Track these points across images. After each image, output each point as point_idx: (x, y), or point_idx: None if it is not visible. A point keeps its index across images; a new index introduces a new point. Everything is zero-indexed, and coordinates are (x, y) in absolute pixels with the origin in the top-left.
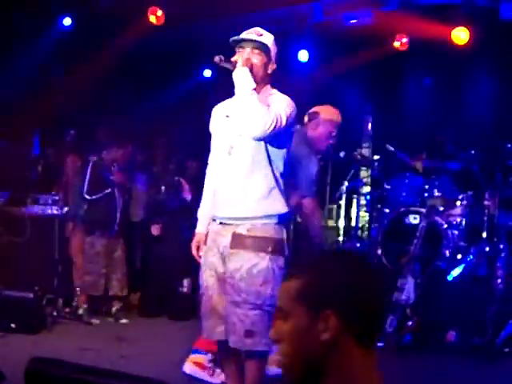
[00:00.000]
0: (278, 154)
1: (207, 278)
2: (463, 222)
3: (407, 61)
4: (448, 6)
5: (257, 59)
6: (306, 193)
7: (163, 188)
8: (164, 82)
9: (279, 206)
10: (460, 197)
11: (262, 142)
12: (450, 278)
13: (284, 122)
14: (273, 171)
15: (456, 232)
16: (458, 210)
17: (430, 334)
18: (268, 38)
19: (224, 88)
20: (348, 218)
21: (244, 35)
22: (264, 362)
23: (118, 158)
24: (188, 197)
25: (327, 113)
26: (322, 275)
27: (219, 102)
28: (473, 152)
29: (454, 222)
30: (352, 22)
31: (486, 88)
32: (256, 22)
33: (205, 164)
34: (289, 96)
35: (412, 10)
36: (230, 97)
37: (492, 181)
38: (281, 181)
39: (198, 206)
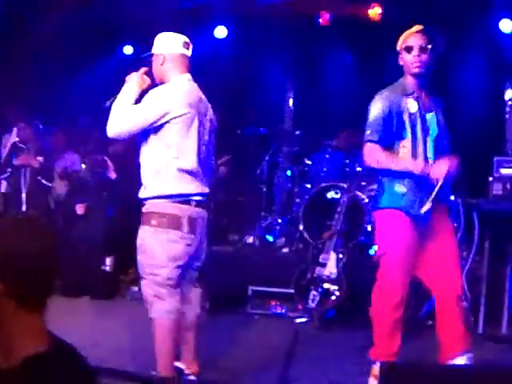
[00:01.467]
0: (156, 143)
1: None
2: None
3: (329, 37)
4: None
5: (154, 66)
6: None
7: (84, 166)
8: (86, 58)
9: (168, 186)
10: None
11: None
12: (372, 252)
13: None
14: (160, 156)
15: None
16: None
17: (354, 308)
18: (156, 46)
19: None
20: (269, 193)
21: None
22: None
23: (27, 138)
24: (113, 175)
25: None
26: None
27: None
28: None
29: None
30: None
31: None
32: None
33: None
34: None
35: None
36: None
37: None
38: (172, 164)
39: (122, 185)
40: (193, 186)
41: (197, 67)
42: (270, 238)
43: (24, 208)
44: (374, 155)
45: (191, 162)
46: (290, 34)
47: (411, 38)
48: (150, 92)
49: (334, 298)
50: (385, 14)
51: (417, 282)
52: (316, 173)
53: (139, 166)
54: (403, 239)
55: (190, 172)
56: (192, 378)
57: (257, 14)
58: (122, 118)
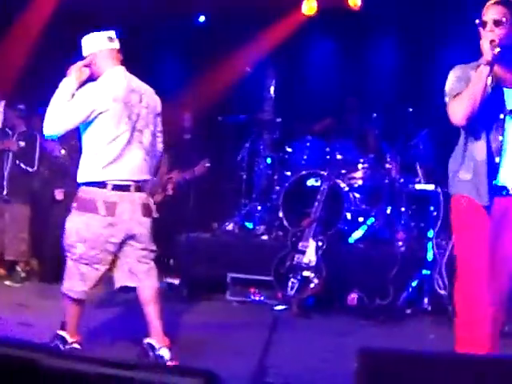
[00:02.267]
0: (89, 135)
1: None
2: (365, 185)
3: (311, 25)
4: None
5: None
6: None
7: (63, 151)
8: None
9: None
10: (361, 160)
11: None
12: (351, 240)
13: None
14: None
15: (358, 195)
16: (359, 173)
17: (333, 295)
18: (84, 47)
19: None
20: (249, 180)
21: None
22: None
23: (12, 122)
24: None
25: None
26: None
27: None
28: (375, 115)
29: (356, 185)
30: None
31: (390, 52)
32: None
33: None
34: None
35: None
36: None
37: (393, 145)
38: (97, 153)
39: None
40: (113, 172)
41: (180, 53)
42: (250, 225)
43: (5, 192)
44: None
45: (117, 150)
46: (270, 21)
47: (485, 12)
48: (80, 90)
49: (312, 285)
50: (365, 4)
51: (398, 270)
52: (296, 160)
53: None
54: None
55: (114, 159)
56: (165, 351)
57: (237, 1)
58: (57, 118)
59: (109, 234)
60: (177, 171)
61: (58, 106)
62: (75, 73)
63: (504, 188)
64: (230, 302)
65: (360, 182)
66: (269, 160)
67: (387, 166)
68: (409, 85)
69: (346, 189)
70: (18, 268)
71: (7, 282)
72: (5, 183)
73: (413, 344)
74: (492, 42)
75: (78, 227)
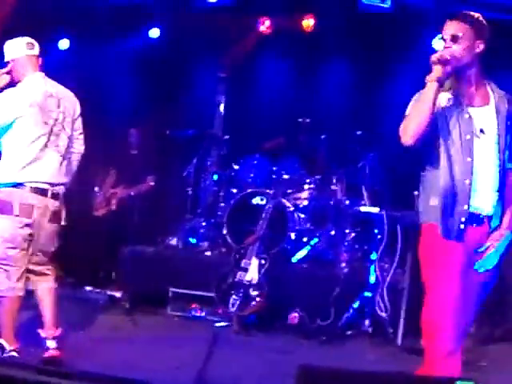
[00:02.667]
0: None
1: None
2: (310, 206)
3: (265, 44)
4: None
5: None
6: None
7: None
8: None
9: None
10: (308, 180)
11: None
12: (294, 260)
13: None
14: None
15: (302, 215)
16: (305, 194)
17: (274, 314)
18: (5, 52)
19: None
20: (195, 196)
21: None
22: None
23: None
24: None
25: None
26: None
27: None
28: (323, 136)
29: (301, 205)
30: (211, 0)
31: (341, 75)
32: None
33: None
34: None
35: None
36: None
37: (340, 166)
38: (14, 155)
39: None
40: (30, 174)
41: (130, 66)
42: (193, 241)
43: None
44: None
45: (34, 153)
46: (225, 38)
47: (444, 28)
48: (3, 93)
49: (254, 303)
50: (318, 25)
51: (340, 292)
52: (243, 178)
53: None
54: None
55: (30, 162)
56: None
57: (193, 16)
58: None
59: (26, 234)
60: (122, 186)
61: None
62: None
63: (478, 215)
64: (171, 316)
65: (305, 203)
66: (215, 176)
67: (333, 187)
68: (359, 108)
69: (291, 208)
70: None
71: None
72: None
73: (351, 364)
74: (439, 58)
75: None
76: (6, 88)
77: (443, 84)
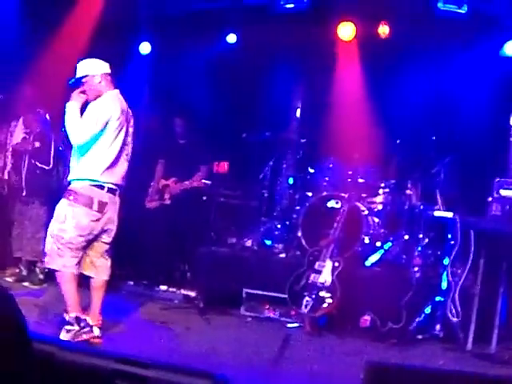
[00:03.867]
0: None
1: None
2: (384, 210)
3: (341, 49)
4: None
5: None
6: None
7: None
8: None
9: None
10: (382, 185)
11: None
12: (367, 263)
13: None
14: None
15: (377, 219)
16: (379, 198)
17: (346, 316)
18: (80, 69)
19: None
20: (271, 199)
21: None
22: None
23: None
24: None
25: None
26: None
27: None
28: (398, 141)
29: (376, 209)
30: (288, 6)
31: (417, 81)
32: None
33: None
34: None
35: None
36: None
37: (414, 171)
38: (96, 157)
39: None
40: (108, 176)
41: (209, 70)
42: (268, 243)
43: (24, 193)
44: None
45: (112, 157)
46: (301, 43)
47: None
48: (90, 109)
49: (326, 305)
50: (394, 32)
51: (412, 296)
52: (318, 181)
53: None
54: None
55: (110, 165)
56: (96, 329)
57: (269, 22)
58: (81, 130)
59: (93, 227)
60: (174, 179)
61: (76, 123)
62: (77, 97)
63: None
64: (245, 316)
65: (380, 207)
66: (291, 180)
67: (408, 192)
68: (434, 113)
69: (366, 212)
70: (37, 269)
71: (25, 284)
72: (23, 184)
73: None
74: None
75: (72, 216)
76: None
77: None
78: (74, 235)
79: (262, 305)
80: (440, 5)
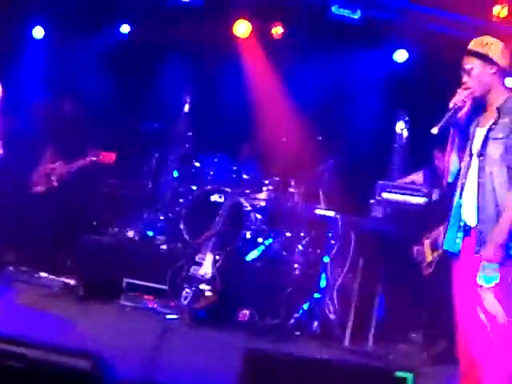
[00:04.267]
0: None
1: None
2: (267, 207)
3: (231, 46)
4: None
5: None
6: None
7: None
8: None
9: None
10: (266, 182)
11: None
12: (248, 258)
13: None
14: None
15: (259, 216)
16: (263, 195)
17: (225, 310)
18: None
19: None
20: (155, 191)
21: None
22: None
23: None
24: None
25: None
26: None
27: None
28: (284, 140)
29: (258, 206)
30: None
31: (309, 80)
32: None
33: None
34: None
35: None
36: None
37: (298, 170)
38: None
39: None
40: None
41: (101, 59)
42: (151, 234)
43: None
44: None
45: None
46: (194, 38)
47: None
48: None
49: (206, 297)
50: (286, 33)
51: (291, 292)
52: (203, 175)
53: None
54: None
55: None
56: None
57: (164, 14)
58: None
59: None
60: (60, 162)
61: None
62: None
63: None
64: (124, 306)
65: (263, 203)
66: (176, 173)
67: (291, 190)
68: (322, 113)
69: (249, 208)
70: None
71: None
72: None
73: None
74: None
75: None
76: None
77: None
78: None
79: (142, 295)
80: (334, 9)
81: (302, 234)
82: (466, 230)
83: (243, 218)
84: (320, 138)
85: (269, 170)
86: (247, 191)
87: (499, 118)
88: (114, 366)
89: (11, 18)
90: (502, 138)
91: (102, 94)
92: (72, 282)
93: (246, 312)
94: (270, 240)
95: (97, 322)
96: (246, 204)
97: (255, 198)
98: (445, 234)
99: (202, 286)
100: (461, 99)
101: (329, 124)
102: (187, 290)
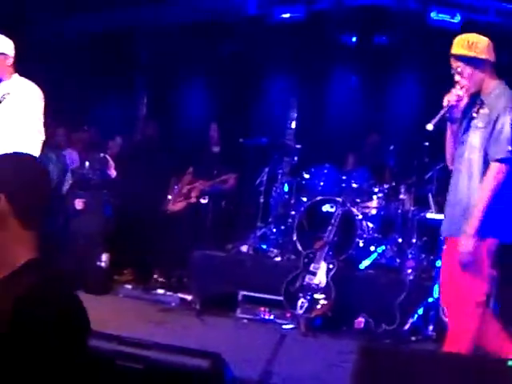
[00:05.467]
0: None
1: None
2: (378, 215)
3: (335, 58)
4: (378, 7)
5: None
6: None
7: (87, 163)
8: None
9: None
10: (376, 190)
11: None
12: (361, 266)
13: None
14: None
15: (371, 224)
16: (373, 203)
17: (341, 318)
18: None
19: None
20: (266, 204)
21: None
22: None
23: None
24: (113, 173)
25: None
26: None
27: None
28: (391, 147)
29: (369, 214)
30: (284, 16)
31: (410, 88)
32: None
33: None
34: None
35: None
36: None
37: (408, 177)
38: None
39: (123, 183)
40: None
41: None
42: (264, 246)
43: None
44: None
45: None
46: (297, 53)
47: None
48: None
49: (321, 306)
50: (388, 42)
51: (405, 297)
52: (313, 186)
53: (139, 168)
54: None
55: None
56: None
57: (266, 31)
58: None
59: None
60: (201, 181)
61: None
62: None
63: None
64: (240, 318)
65: (374, 212)
66: (286, 187)
67: (401, 196)
68: (426, 120)
69: (360, 217)
70: None
71: None
72: None
73: None
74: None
75: None
76: None
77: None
78: None
79: (257, 307)
80: (433, 14)
81: (413, 240)
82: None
83: (355, 226)
84: (427, 144)
85: (378, 177)
86: (358, 200)
87: (481, 107)
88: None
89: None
90: (481, 128)
91: (212, 114)
92: (189, 297)
93: (362, 319)
94: (383, 247)
95: (214, 335)
96: (357, 213)
97: (366, 207)
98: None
99: (317, 295)
100: (455, 97)
101: (436, 129)
102: (302, 300)
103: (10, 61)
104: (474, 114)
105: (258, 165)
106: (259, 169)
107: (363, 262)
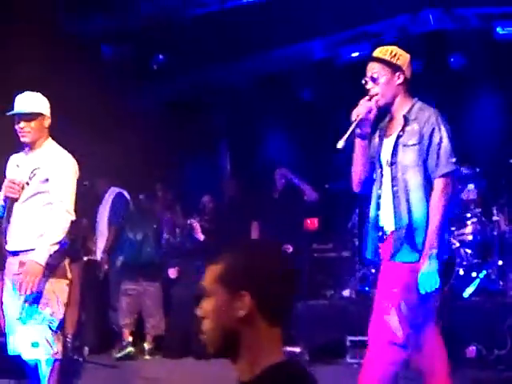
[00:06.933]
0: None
1: None
2: (475, 240)
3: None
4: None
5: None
6: None
7: (178, 231)
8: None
9: None
10: (469, 215)
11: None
12: (465, 295)
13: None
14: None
15: (469, 250)
16: (468, 229)
17: (451, 349)
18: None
19: None
20: (360, 246)
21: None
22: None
23: None
24: (201, 237)
25: None
26: (240, 261)
27: None
28: (478, 170)
29: (466, 241)
30: (353, 55)
31: (491, 106)
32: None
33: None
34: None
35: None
36: None
37: (498, 196)
38: None
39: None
40: None
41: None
42: (366, 288)
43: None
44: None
45: None
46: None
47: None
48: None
49: None
50: (467, 62)
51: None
52: None
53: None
54: None
55: None
56: None
57: (338, 73)
58: None
59: None
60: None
61: None
62: None
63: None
64: (351, 364)
65: (470, 238)
66: None
67: (495, 218)
68: (509, 137)
69: (457, 245)
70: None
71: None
72: None
73: None
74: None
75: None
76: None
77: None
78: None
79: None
80: (499, 29)
81: None
82: (382, 237)
83: (454, 256)
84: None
85: (468, 203)
86: (452, 228)
87: (406, 125)
88: None
89: None
90: (414, 145)
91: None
92: (297, 349)
93: (473, 348)
94: (484, 272)
95: (328, 382)
96: (453, 241)
97: (461, 234)
98: (366, 245)
99: None
100: (365, 110)
101: None
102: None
103: (48, 122)
104: (400, 133)
105: (347, 208)
106: (349, 212)
107: (466, 289)
